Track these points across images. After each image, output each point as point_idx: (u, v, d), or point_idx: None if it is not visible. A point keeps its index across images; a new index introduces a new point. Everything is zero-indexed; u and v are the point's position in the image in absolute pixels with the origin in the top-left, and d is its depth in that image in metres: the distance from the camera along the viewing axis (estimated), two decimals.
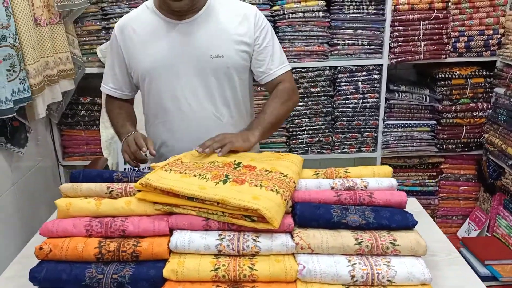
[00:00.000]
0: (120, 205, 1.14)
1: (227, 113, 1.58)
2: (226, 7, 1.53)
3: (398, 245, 1.05)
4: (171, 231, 1.10)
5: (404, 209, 1.16)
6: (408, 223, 1.10)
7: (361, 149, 2.71)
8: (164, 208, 1.12)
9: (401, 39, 2.48)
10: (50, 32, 2.24)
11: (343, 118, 2.65)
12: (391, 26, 2.47)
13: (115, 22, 2.44)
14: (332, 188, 1.22)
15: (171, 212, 1.13)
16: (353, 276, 1.00)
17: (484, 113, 2.62)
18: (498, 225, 2.65)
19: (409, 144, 2.69)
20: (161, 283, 1.02)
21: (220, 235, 1.08)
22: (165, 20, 1.50)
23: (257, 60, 1.57)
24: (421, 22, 2.45)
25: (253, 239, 1.06)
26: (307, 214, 1.12)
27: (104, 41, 2.47)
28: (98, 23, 2.46)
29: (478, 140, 2.69)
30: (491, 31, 2.49)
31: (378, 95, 2.61)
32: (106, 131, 2.50)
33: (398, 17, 2.45)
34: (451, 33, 2.50)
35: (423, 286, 1.01)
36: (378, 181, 1.24)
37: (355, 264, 1.02)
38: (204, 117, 1.55)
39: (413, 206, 1.49)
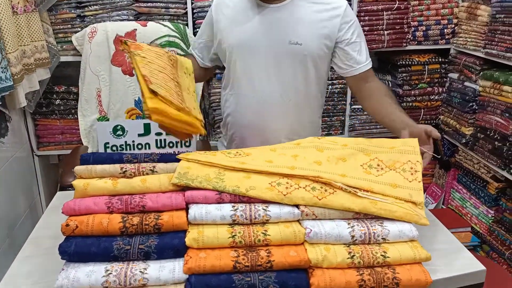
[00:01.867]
0: (136, 183, 1.22)
1: (293, 97, 1.65)
2: None
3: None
4: (187, 206, 1.20)
5: None
6: None
7: (330, 132, 2.89)
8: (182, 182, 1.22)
9: (366, 28, 2.66)
10: (26, 20, 2.22)
11: None
12: (357, 16, 2.64)
13: (90, 10, 2.46)
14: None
15: (183, 188, 1.24)
16: (353, 236, 1.15)
17: (440, 97, 2.87)
18: (453, 198, 2.93)
19: (373, 126, 2.90)
20: (184, 251, 1.12)
21: (233, 206, 1.19)
22: (257, 2, 1.58)
23: (345, 53, 1.60)
24: (385, 13, 2.64)
25: (263, 209, 1.18)
26: None
27: (79, 29, 2.47)
28: (72, 11, 2.46)
29: (434, 121, 2.94)
30: (446, 21, 2.72)
31: (345, 81, 2.79)
32: (84, 119, 2.51)
33: (364, 8, 2.63)
34: (411, 22, 2.71)
35: (412, 242, 1.18)
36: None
37: (354, 226, 1.17)
38: (271, 97, 1.63)
39: None
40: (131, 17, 2.49)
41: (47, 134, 2.64)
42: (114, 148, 2.29)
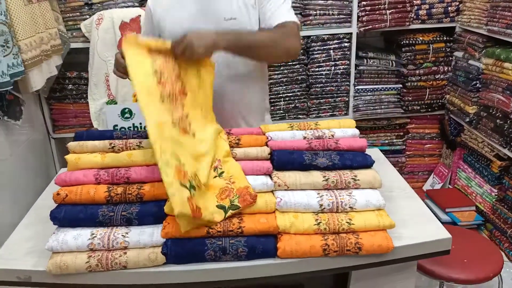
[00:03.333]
0: (122, 157, 1.32)
1: (238, 76, 1.69)
2: None
3: (358, 179, 1.27)
4: None
5: (365, 152, 1.38)
6: (367, 163, 1.33)
7: (334, 113, 2.93)
8: None
9: (368, 8, 2.67)
10: (40, 9, 2.35)
11: (317, 85, 2.84)
12: None
13: None
14: (304, 137, 1.42)
15: None
16: (321, 205, 1.22)
17: (445, 76, 2.86)
18: (459, 178, 2.93)
19: (378, 107, 2.92)
20: (163, 218, 1.21)
21: None
22: None
23: (264, 10, 1.62)
24: None
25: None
26: (283, 159, 1.32)
27: (87, 16, 2.58)
28: (80, 0, 2.57)
29: (440, 100, 2.93)
30: None
31: (348, 62, 2.81)
32: (94, 103, 2.64)
33: None
34: (414, 1, 2.70)
35: (379, 211, 1.24)
36: (343, 131, 1.45)
37: (322, 195, 1.24)
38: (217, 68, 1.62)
39: (377, 155, 1.71)
40: (136, 4, 2.58)
41: (61, 118, 2.79)
42: (123, 130, 2.41)
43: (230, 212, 1.22)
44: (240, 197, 1.24)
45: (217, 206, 1.23)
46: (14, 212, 2.18)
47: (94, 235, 1.18)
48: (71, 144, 1.38)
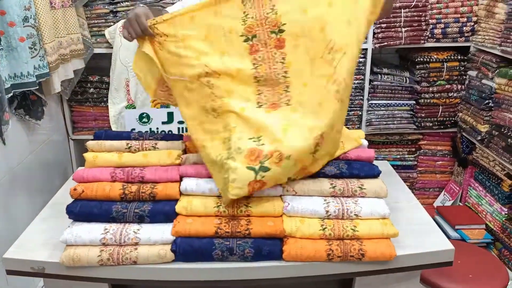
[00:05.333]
0: (138, 157, 1.38)
1: None
2: None
3: (364, 188, 1.30)
4: (181, 178, 1.35)
5: (372, 163, 1.42)
6: (374, 172, 1.36)
7: (347, 126, 2.96)
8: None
9: (384, 25, 2.72)
10: (63, 14, 2.45)
11: None
12: None
13: (122, 6, 2.66)
14: None
15: (179, 164, 1.38)
16: (327, 211, 1.26)
17: (458, 94, 2.87)
18: (470, 195, 2.92)
19: (391, 122, 2.94)
20: (174, 217, 1.26)
21: None
22: None
23: None
24: (402, 10, 2.69)
25: None
26: None
27: (112, 23, 2.68)
28: (106, 7, 2.67)
29: (453, 118, 2.94)
30: (465, 19, 2.73)
31: (363, 77, 2.85)
32: (114, 107, 2.73)
33: None
34: (429, 20, 2.74)
35: (383, 220, 1.27)
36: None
37: (329, 202, 1.28)
38: None
39: (386, 167, 1.74)
40: None
41: (81, 120, 2.88)
42: (140, 132, 2.48)
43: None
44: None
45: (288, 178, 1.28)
46: (30, 209, 2.27)
47: (107, 230, 1.23)
48: (90, 143, 1.45)
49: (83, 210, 1.26)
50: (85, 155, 1.40)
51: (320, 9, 1.28)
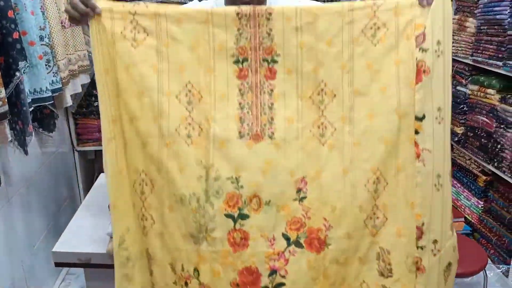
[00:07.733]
0: None
1: None
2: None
3: None
4: None
5: None
6: None
7: None
8: None
9: None
10: (72, 33, 2.62)
11: None
12: None
13: None
14: None
15: None
16: None
17: None
18: None
19: None
20: None
21: None
22: None
23: None
24: None
25: None
26: None
27: None
28: None
29: None
30: None
31: None
32: None
33: None
34: None
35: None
36: None
37: None
38: None
39: None
40: None
41: (86, 132, 3.02)
42: None
43: (292, 247, 1.16)
44: (307, 238, 1.17)
45: (282, 234, 1.17)
46: (44, 216, 2.41)
47: None
48: None
49: None
50: None
51: (318, 47, 1.19)
